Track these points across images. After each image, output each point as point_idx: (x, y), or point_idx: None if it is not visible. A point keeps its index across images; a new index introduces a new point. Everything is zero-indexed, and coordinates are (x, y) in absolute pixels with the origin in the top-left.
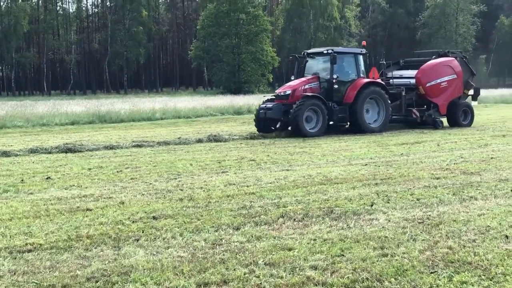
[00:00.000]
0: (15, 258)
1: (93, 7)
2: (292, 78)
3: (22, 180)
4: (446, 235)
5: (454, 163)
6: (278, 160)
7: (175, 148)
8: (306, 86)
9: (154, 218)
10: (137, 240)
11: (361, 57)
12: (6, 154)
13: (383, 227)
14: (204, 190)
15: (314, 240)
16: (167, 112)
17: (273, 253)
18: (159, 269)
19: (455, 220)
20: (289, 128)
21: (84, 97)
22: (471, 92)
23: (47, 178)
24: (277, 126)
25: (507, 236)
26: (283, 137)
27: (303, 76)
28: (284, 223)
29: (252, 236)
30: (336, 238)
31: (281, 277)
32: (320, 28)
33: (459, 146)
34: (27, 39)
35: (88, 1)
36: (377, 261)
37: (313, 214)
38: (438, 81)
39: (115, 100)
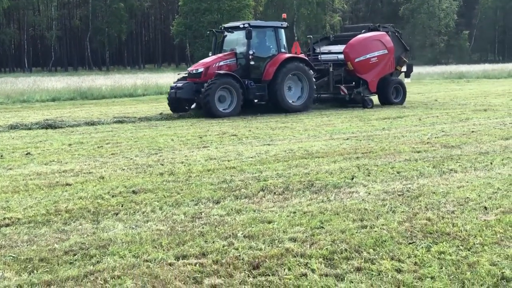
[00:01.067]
0: None
1: None
2: (210, 54)
3: (1, 156)
4: (426, 207)
5: (435, 137)
6: (260, 135)
7: (156, 123)
8: (221, 63)
9: (134, 192)
10: (116, 214)
11: (282, 31)
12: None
13: (363, 199)
14: (184, 165)
15: (294, 213)
16: (149, 89)
17: (252, 226)
18: (138, 242)
19: (434, 192)
20: None
21: (65, 73)
22: (404, 69)
23: (26, 154)
24: (192, 106)
25: (485, 208)
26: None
27: (221, 52)
28: (264, 197)
29: (232, 210)
30: (316, 210)
31: (260, 249)
32: (303, 4)
33: (440, 121)
34: (7, 15)
35: None
36: (356, 232)
37: (294, 187)
38: (368, 56)
39: (97, 76)
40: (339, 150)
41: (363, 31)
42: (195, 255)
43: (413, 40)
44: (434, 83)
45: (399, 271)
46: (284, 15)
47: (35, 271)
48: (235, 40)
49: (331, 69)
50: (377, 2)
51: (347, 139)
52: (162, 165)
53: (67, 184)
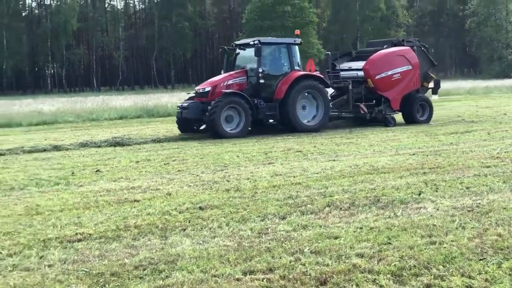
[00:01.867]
0: (66, 248)
1: (140, 3)
2: (222, 72)
3: (72, 173)
4: (496, 222)
5: (505, 152)
6: (325, 151)
7: (222, 140)
8: (230, 82)
9: (200, 208)
10: (184, 230)
11: (295, 48)
12: (57, 148)
13: (431, 215)
14: (250, 181)
15: (361, 228)
16: None
17: (319, 241)
18: (206, 258)
19: (505, 208)
20: None
21: (132, 92)
22: (431, 85)
23: (96, 171)
24: (202, 127)
25: None
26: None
27: (233, 70)
28: (330, 212)
29: (298, 225)
30: (383, 226)
31: (327, 265)
32: (367, 19)
33: (510, 135)
34: (77, 36)
35: None
36: (425, 248)
37: (360, 203)
38: (390, 73)
39: (162, 94)
40: (405, 166)
41: (385, 46)
42: (262, 271)
43: (480, 54)
44: (503, 96)
45: (469, 287)
46: (297, 32)
47: (106, 286)
48: (247, 57)
49: (350, 87)
50: (443, 15)
51: (414, 154)
52: (228, 181)
53: (135, 201)
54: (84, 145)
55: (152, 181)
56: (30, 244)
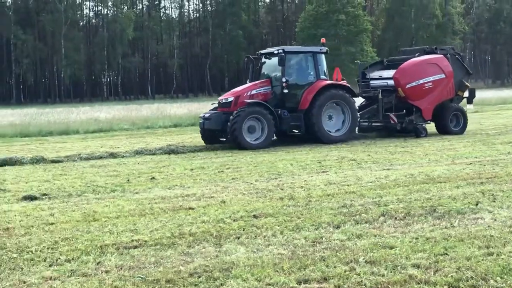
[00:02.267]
0: (122, 254)
1: (195, 12)
2: (248, 82)
3: (128, 180)
4: None
5: None
6: (379, 160)
7: (275, 148)
8: (254, 92)
9: (254, 216)
10: (238, 238)
11: (322, 57)
12: (113, 155)
13: (488, 226)
14: (304, 189)
15: (416, 238)
16: None
17: (374, 251)
18: (260, 266)
19: None
20: None
21: (186, 100)
22: (466, 94)
23: (151, 178)
24: (227, 137)
25: None
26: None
27: (258, 80)
28: (385, 222)
29: (352, 234)
30: (439, 237)
31: (382, 275)
32: (422, 27)
33: None
34: (132, 45)
35: (190, 6)
36: (482, 260)
37: (415, 213)
38: (421, 81)
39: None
40: (462, 175)
41: (417, 54)
42: (317, 280)
43: None
44: None
45: None
46: (323, 40)
47: None
48: (272, 67)
49: (380, 96)
50: (499, 22)
51: (470, 163)
52: (282, 189)
53: (190, 208)
54: (139, 152)
55: (207, 189)
56: (87, 250)
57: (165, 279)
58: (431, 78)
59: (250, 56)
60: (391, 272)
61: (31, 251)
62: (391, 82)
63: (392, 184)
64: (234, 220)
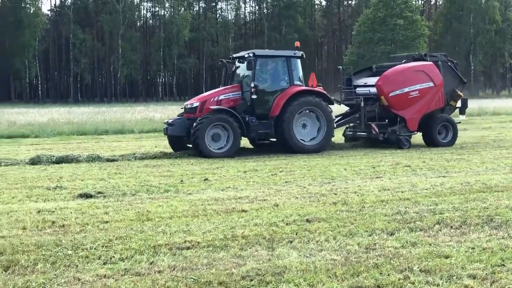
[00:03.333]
0: (175, 255)
1: (251, 15)
2: (220, 86)
3: (181, 181)
4: None
5: None
6: (434, 167)
7: (329, 152)
8: (222, 97)
9: (307, 221)
10: (291, 242)
11: (297, 62)
12: (167, 155)
13: None
14: (358, 195)
15: (473, 248)
16: None
17: (428, 260)
18: (312, 271)
19: None
20: None
21: None
22: (458, 104)
23: (204, 180)
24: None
25: None
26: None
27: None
28: (440, 230)
29: (406, 242)
30: (496, 247)
31: (437, 285)
32: (481, 32)
33: None
34: (188, 46)
35: (246, 8)
36: None
37: (472, 222)
38: (406, 90)
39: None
40: None
41: (404, 61)
42: (370, 287)
43: None
44: None
45: None
46: (297, 44)
47: None
48: (244, 71)
49: (362, 104)
50: None
51: None
52: (335, 194)
53: (243, 211)
54: (192, 154)
55: (260, 192)
56: (141, 250)
57: (218, 281)
58: (418, 87)
59: (224, 59)
60: (446, 282)
61: (86, 249)
62: (373, 89)
63: (447, 192)
64: (287, 224)
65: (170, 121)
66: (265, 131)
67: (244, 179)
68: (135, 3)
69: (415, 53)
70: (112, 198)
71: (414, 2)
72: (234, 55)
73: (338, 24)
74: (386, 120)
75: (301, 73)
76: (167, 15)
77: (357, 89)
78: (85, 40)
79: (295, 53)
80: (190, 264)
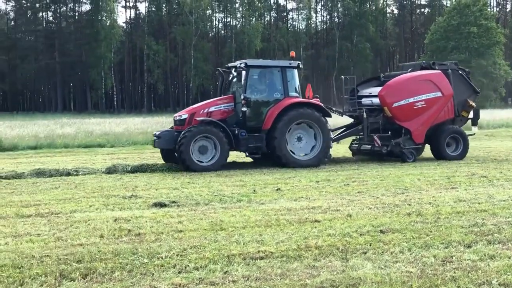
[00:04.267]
0: (248, 265)
1: (322, 24)
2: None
3: (254, 191)
4: None
5: None
6: None
7: (401, 163)
8: (212, 109)
9: (381, 232)
10: (365, 253)
11: (293, 72)
12: (239, 165)
13: None
14: (432, 206)
15: None
16: None
17: (508, 273)
18: (388, 283)
19: None
20: None
21: None
22: (471, 115)
23: (277, 189)
24: None
25: None
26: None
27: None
28: None
29: (484, 255)
30: None
31: None
32: None
33: None
34: (259, 56)
35: (317, 18)
36: None
37: None
38: (411, 100)
39: None
40: None
41: (410, 69)
42: None
43: None
44: None
45: None
46: (292, 53)
47: None
48: (237, 82)
49: (364, 116)
50: None
51: None
52: (409, 205)
53: (316, 221)
54: (263, 163)
55: (332, 202)
56: (215, 259)
57: None
58: (424, 97)
59: (220, 69)
60: None
61: (161, 257)
62: (376, 100)
63: None
64: (360, 235)
65: (158, 133)
66: (256, 144)
67: (316, 189)
68: (207, 14)
69: (423, 61)
70: (185, 208)
71: (489, 10)
72: (229, 65)
73: (410, 33)
74: (389, 132)
75: (297, 84)
76: (239, 25)
77: (363, 99)
78: (159, 51)
79: (290, 63)
80: (264, 274)
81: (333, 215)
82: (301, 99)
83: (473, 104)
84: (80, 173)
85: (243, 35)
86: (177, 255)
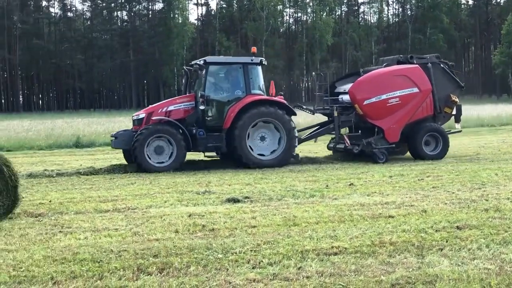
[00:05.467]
0: (322, 260)
1: (394, 17)
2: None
3: (327, 186)
4: None
5: None
6: None
7: (478, 157)
8: (171, 108)
9: (458, 228)
10: (441, 250)
11: (256, 69)
12: (312, 160)
13: None
14: (511, 201)
15: None
16: (469, 121)
17: None
18: (465, 281)
19: None
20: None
21: None
22: (454, 111)
23: (350, 185)
24: None
25: None
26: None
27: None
28: None
29: None
30: None
31: None
32: None
33: None
34: (331, 51)
35: (388, 11)
36: None
37: None
38: (384, 97)
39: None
40: None
41: (385, 64)
42: None
43: None
44: None
45: None
46: (253, 49)
47: None
48: (199, 80)
49: (335, 114)
50: None
51: None
52: (487, 200)
53: (389, 216)
54: (336, 158)
55: (406, 197)
56: (288, 255)
57: None
58: (398, 93)
59: (185, 67)
60: None
61: (235, 253)
62: (346, 97)
63: None
64: (436, 231)
65: (114, 133)
66: (215, 144)
67: (390, 184)
68: (278, 9)
69: (400, 55)
70: (259, 203)
71: None
72: (193, 62)
73: (486, 24)
74: (360, 131)
75: (261, 81)
76: (310, 20)
77: (340, 96)
78: (230, 47)
79: (252, 60)
80: (338, 270)
81: (407, 211)
82: (262, 97)
83: (456, 99)
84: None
85: (314, 30)
86: (251, 250)
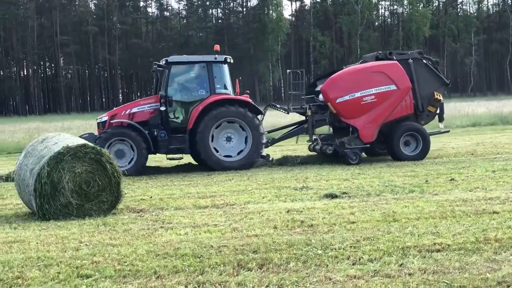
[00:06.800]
0: (424, 257)
1: (494, 7)
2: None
3: (426, 181)
4: None
5: None
6: None
7: None
8: (135, 110)
9: None
10: None
11: (219, 67)
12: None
13: None
14: None
15: None
16: None
17: None
18: None
19: None
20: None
21: (484, 98)
22: (438, 110)
23: (451, 180)
24: None
25: None
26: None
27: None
28: None
29: None
30: None
31: None
32: None
33: None
34: (428, 43)
35: (489, 1)
36: None
37: None
38: (358, 95)
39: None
40: None
41: (361, 61)
42: None
43: None
44: None
45: None
46: (216, 47)
47: None
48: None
49: (309, 113)
50: None
51: None
52: None
53: (494, 212)
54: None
55: (511, 192)
56: (389, 251)
57: (472, 286)
58: (374, 91)
59: (155, 67)
60: None
61: (335, 249)
62: (320, 96)
63: None
64: None
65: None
66: (177, 146)
67: (493, 179)
68: (374, 2)
69: (378, 51)
70: (357, 199)
71: None
72: (155, 63)
73: None
74: (331, 131)
75: (228, 80)
76: (406, 12)
77: (318, 95)
78: (325, 42)
79: (215, 58)
80: (441, 267)
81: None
82: (225, 96)
83: (440, 97)
84: None
85: (411, 23)
86: (351, 246)
